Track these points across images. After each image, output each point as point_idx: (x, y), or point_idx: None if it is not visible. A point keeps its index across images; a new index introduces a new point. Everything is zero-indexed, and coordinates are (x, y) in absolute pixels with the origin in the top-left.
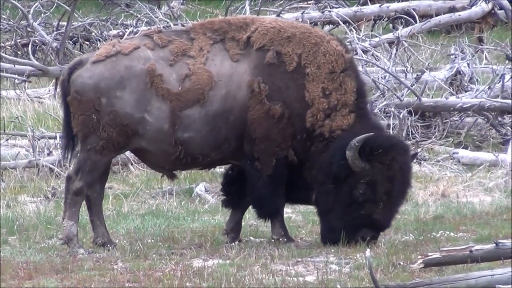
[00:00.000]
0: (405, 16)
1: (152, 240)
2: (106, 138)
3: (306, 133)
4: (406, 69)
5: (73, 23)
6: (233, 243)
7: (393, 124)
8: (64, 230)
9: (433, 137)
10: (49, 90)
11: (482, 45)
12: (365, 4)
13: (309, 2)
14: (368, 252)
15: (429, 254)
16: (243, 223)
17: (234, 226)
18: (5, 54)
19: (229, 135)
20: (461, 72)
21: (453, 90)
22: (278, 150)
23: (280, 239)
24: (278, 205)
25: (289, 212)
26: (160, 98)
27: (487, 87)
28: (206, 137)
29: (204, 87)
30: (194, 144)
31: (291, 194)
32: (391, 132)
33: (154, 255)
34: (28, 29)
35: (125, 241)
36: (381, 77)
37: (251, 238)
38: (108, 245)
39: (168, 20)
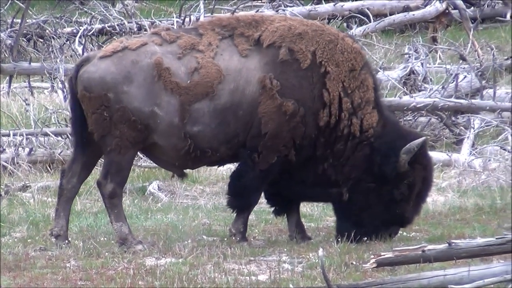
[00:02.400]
0: (359, 15)
1: (105, 238)
2: (119, 136)
3: (318, 131)
4: None
5: (27, 20)
6: (304, 242)
7: None
8: (116, 233)
9: None
10: (3, 87)
11: (436, 45)
12: (319, 3)
13: (263, 1)
14: (320, 251)
15: (382, 253)
16: (195, 222)
17: (296, 228)
18: None
19: (238, 130)
20: (415, 71)
21: (406, 89)
22: (283, 149)
23: (235, 235)
24: (254, 201)
25: None
26: (169, 92)
27: (441, 86)
28: (215, 131)
29: (213, 81)
30: (204, 138)
31: (304, 191)
32: None
33: (106, 254)
34: None
35: (78, 239)
36: None
37: (204, 236)
38: (62, 240)
39: (122, 18)
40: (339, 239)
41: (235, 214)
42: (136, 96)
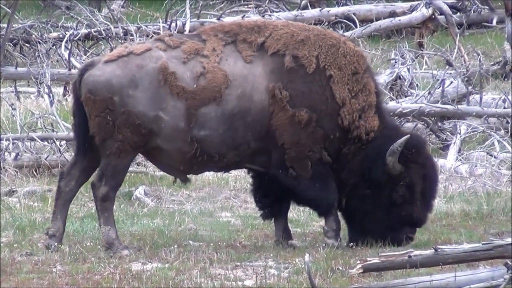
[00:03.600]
0: (345, 21)
1: (91, 243)
2: (121, 140)
3: (339, 132)
4: None
5: (13, 25)
6: (290, 247)
7: None
8: (103, 237)
9: None
10: None
11: (422, 50)
12: (305, 8)
13: (249, 6)
14: (307, 256)
15: (368, 259)
16: (182, 227)
17: (283, 233)
18: None
19: (247, 137)
20: (401, 77)
21: (393, 95)
22: (311, 154)
23: (329, 232)
24: (332, 199)
25: (229, 216)
26: (175, 96)
27: (427, 92)
28: (223, 135)
29: (220, 85)
30: (211, 142)
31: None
32: None
33: (93, 258)
34: None
35: (64, 244)
36: None
37: (190, 242)
38: (55, 241)
39: (109, 23)
40: (352, 246)
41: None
42: (141, 100)
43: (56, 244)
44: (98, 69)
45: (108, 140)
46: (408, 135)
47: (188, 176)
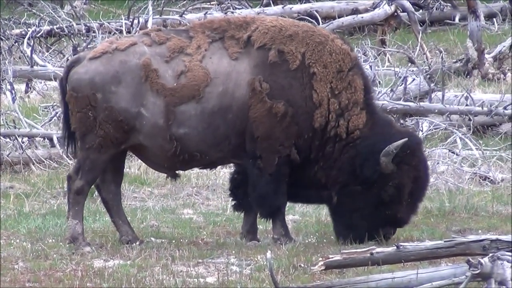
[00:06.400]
0: (308, 18)
1: (53, 240)
2: (103, 136)
3: (313, 132)
4: None
5: None
6: (252, 244)
7: None
8: (69, 230)
9: None
10: None
11: (384, 48)
12: (268, 5)
13: (212, 3)
14: (269, 253)
15: (330, 256)
16: (144, 224)
17: (249, 228)
18: None
19: (228, 134)
20: None
21: None
22: (281, 149)
23: (280, 239)
24: (280, 203)
25: (191, 213)
26: (154, 93)
27: (390, 89)
28: (203, 134)
29: (199, 84)
30: (191, 141)
31: (298, 193)
32: None
33: (55, 255)
34: None
35: (26, 241)
36: None
37: (152, 238)
38: (135, 242)
39: (71, 20)
40: (340, 241)
41: (270, 222)
42: (123, 96)
43: (137, 242)
44: (82, 66)
45: (88, 135)
46: (406, 139)
47: (176, 172)
